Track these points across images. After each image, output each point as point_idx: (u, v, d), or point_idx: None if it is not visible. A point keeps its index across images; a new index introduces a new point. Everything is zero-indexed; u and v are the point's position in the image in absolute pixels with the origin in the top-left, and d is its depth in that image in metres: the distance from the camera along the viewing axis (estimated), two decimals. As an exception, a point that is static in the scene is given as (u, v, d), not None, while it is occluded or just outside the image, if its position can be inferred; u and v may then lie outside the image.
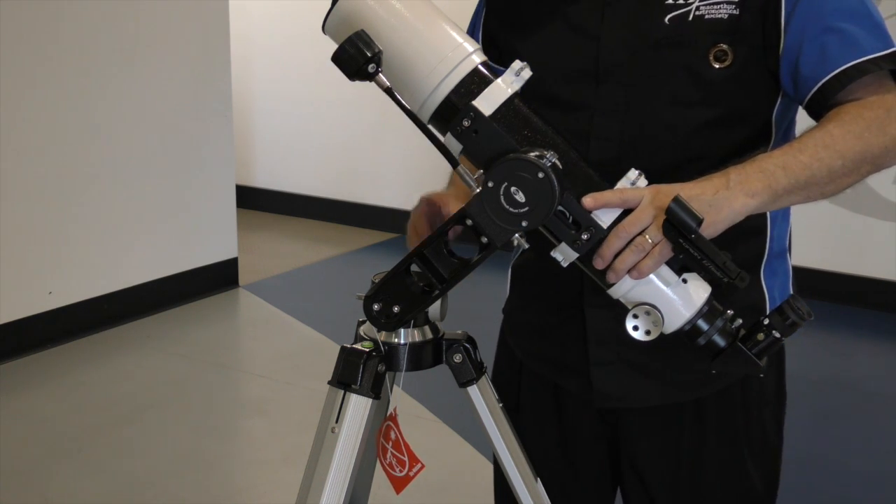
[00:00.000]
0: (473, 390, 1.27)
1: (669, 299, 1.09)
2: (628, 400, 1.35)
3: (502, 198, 1.05)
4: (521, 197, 1.04)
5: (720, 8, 1.19)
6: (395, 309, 1.15)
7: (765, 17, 1.19)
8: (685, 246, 1.04)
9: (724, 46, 1.19)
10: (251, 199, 6.20)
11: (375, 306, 1.15)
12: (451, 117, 1.09)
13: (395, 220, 5.92)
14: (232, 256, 4.85)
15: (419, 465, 1.25)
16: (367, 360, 1.20)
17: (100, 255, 4.17)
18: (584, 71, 1.26)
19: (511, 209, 1.05)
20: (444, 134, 1.11)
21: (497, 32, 1.37)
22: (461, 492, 2.82)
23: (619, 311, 1.15)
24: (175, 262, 4.53)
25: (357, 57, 1.04)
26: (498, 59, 1.25)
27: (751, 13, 1.19)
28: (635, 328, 1.09)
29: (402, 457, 1.25)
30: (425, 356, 1.24)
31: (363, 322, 1.28)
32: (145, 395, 3.52)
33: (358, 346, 1.23)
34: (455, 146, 1.10)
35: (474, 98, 1.08)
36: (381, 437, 1.26)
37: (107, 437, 3.19)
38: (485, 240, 1.08)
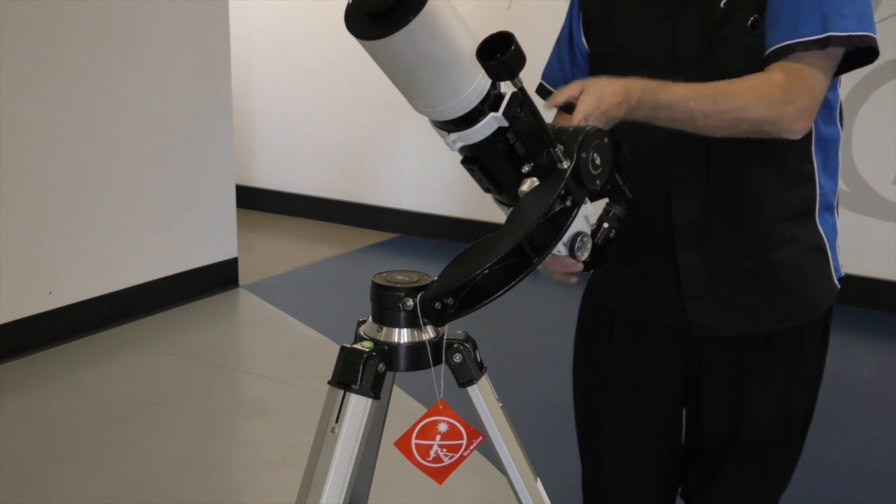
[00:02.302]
0: (473, 390, 1.27)
1: (587, 225, 1.29)
2: (720, 329, 1.59)
3: (590, 164, 1.21)
4: (598, 161, 1.23)
5: None
6: (450, 301, 1.18)
7: None
8: (618, 180, 1.31)
9: (757, 16, 1.46)
10: (251, 199, 6.20)
11: (437, 304, 1.18)
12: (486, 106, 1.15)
13: (394, 221, 5.92)
14: (232, 256, 4.85)
15: (480, 438, 1.27)
16: (366, 360, 1.20)
17: (100, 255, 4.17)
18: (665, 65, 1.50)
19: (593, 172, 1.22)
20: (474, 123, 1.15)
21: (589, 31, 1.64)
22: (461, 492, 2.82)
23: (706, 251, 1.53)
24: (175, 262, 4.53)
25: (523, 57, 1.10)
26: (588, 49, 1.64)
27: None
28: (578, 253, 1.27)
29: (457, 442, 1.26)
30: (425, 356, 1.24)
31: (363, 322, 1.28)
32: (145, 395, 3.52)
33: (358, 346, 1.23)
34: (482, 133, 1.16)
35: (496, 90, 1.15)
36: (415, 438, 1.24)
37: (107, 437, 3.19)
38: (569, 203, 1.20)
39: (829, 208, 1.61)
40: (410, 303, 1.20)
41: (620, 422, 1.74)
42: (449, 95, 1.12)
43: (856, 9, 1.43)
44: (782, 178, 1.54)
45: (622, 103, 1.34)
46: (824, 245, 1.59)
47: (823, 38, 1.42)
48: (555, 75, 1.70)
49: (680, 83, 1.40)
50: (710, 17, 1.48)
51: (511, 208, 1.24)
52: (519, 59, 1.08)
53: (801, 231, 1.57)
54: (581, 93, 1.33)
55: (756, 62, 1.46)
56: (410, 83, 1.13)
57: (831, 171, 1.59)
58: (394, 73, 1.12)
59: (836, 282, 1.63)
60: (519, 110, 1.16)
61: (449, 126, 1.17)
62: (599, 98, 1.32)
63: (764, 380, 1.62)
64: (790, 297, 1.59)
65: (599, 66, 1.61)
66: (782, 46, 1.43)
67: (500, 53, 1.08)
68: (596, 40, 1.62)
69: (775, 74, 1.43)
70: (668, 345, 1.66)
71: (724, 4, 1.47)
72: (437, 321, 1.21)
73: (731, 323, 1.59)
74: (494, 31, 1.10)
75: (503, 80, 1.10)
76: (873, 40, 1.44)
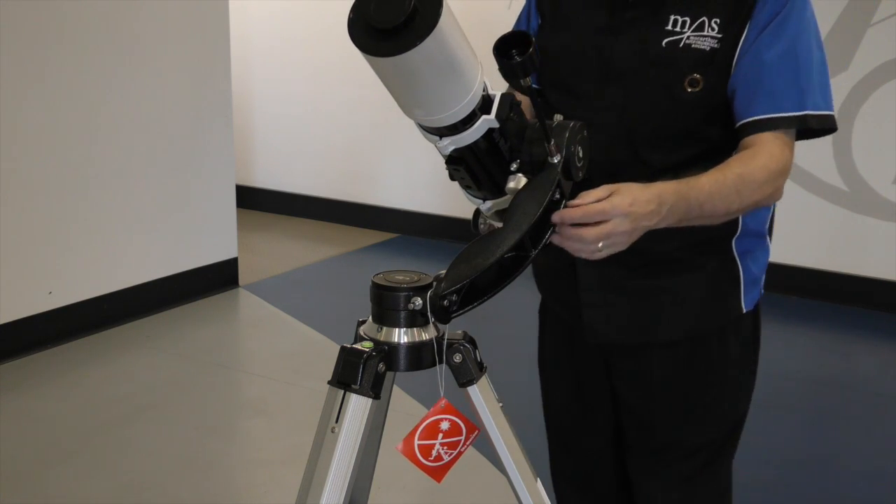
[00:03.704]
0: (473, 390, 1.27)
1: None
2: (612, 337, 1.61)
3: (575, 157, 1.24)
4: (581, 153, 1.26)
5: (705, 41, 1.44)
6: (455, 297, 1.19)
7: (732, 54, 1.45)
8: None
9: (697, 75, 1.45)
10: (251, 199, 6.20)
11: (445, 302, 1.19)
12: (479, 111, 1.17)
13: (394, 221, 5.92)
14: (232, 256, 4.85)
15: (476, 432, 1.28)
16: (366, 360, 1.20)
17: (100, 255, 4.17)
18: (598, 73, 1.52)
19: (577, 164, 1.25)
20: (468, 126, 1.17)
21: (541, 27, 1.65)
22: (460, 492, 2.82)
23: (605, 269, 1.47)
24: (175, 262, 4.53)
25: (537, 60, 1.15)
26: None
27: (728, 50, 1.44)
28: None
29: (457, 438, 1.26)
30: (425, 356, 1.24)
31: (363, 322, 1.28)
32: (145, 395, 3.52)
33: (358, 346, 1.23)
34: (474, 135, 1.18)
35: (485, 91, 1.17)
36: (417, 439, 1.24)
37: (107, 437, 3.19)
38: (558, 195, 1.23)
39: (760, 236, 1.59)
40: (419, 301, 1.20)
41: (558, 410, 1.77)
42: (451, 104, 1.13)
43: (824, 81, 1.45)
44: None
45: (654, 213, 1.29)
46: (738, 273, 1.57)
47: (801, 115, 1.43)
48: None
49: (701, 176, 1.37)
50: (649, 48, 1.47)
51: (484, 202, 1.30)
52: (535, 62, 1.14)
53: (709, 259, 1.56)
54: (611, 194, 1.27)
55: (684, 112, 1.46)
56: (416, 95, 1.13)
57: None
58: (397, 85, 1.12)
59: (744, 304, 1.59)
60: (510, 112, 1.18)
61: (442, 131, 1.17)
62: (632, 203, 1.26)
63: (670, 385, 1.61)
64: (685, 315, 1.58)
65: (542, 61, 1.62)
66: (764, 119, 1.43)
67: (515, 50, 1.13)
68: (543, 35, 1.63)
69: (773, 148, 1.42)
70: (586, 342, 1.66)
71: (665, 44, 1.45)
72: (446, 318, 1.21)
73: (623, 333, 1.59)
74: (504, 32, 1.15)
75: (516, 78, 1.15)
76: (833, 121, 1.46)
